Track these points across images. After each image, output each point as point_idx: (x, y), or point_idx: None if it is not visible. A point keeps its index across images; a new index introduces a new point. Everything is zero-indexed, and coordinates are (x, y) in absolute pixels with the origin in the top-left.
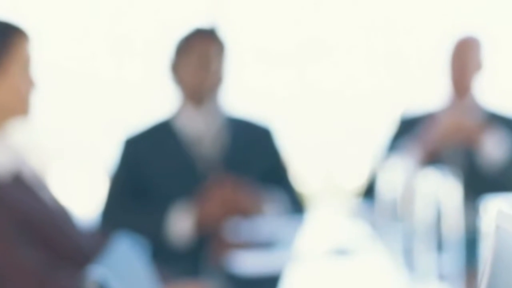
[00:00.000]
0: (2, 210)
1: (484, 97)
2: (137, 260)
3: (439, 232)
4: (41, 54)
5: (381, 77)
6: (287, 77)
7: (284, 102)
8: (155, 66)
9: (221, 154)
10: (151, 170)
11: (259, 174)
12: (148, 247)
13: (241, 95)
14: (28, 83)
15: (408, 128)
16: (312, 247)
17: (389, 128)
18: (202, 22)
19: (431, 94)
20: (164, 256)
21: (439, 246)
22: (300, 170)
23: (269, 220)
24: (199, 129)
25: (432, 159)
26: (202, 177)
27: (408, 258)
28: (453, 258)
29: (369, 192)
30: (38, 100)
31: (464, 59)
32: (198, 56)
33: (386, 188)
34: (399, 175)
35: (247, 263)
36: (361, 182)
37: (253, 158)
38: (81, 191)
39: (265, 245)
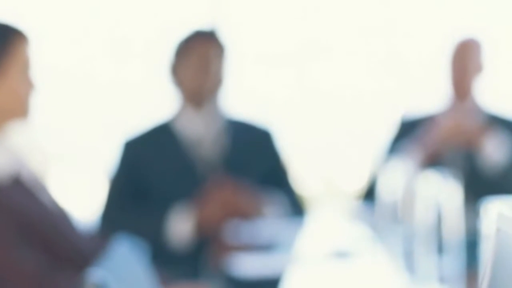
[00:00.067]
0: (1, 213)
1: (484, 99)
2: (137, 262)
3: (439, 235)
4: (41, 56)
5: (381, 79)
6: (287, 79)
7: (284, 104)
8: (155, 68)
9: (221, 156)
10: (151, 172)
11: (259, 176)
12: (147, 249)
13: (241, 97)
14: (27, 85)
15: (409, 131)
16: (312, 249)
17: (390, 130)
18: (201, 24)
19: (432, 96)
20: (164, 259)
21: (440, 248)
22: (300, 172)
23: (269, 223)
24: (199, 131)
25: (433, 161)
26: (202, 179)
27: (409, 260)
28: (454, 261)
29: (370, 194)
30: (37, 102)
31: (465, 61)
32: (198, 58)
33: (387, 190)
34: (399, 177)
35: (247, 265)
36: (361, 184)
37: (253, 160)
38: (81, 194)
39: (265, 247)
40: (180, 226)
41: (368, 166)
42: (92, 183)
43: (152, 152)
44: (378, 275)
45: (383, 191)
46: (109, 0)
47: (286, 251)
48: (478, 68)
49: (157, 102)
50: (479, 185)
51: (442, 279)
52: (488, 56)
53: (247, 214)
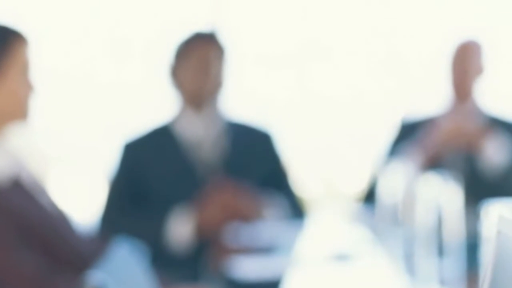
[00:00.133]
0: (1, 215)
1: (485, 102)
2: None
3: (440, 237)
4: (40, 58)
5: (382, 81)
6: (287, 81)
7: (284, 106)
8: (155, 70)
9: (221, 158)
10: (151, 174)
11: (259, 178)
12: (147, 252)
13: (241, 99)
14: (27, 87)
15: (409, 133)
16: (313, 252)
17: (390, 132)
18: (201, 25)
19: (432, 98)
20: (164, 261)
21: (440, 251)
22: (300, 174)
23: (269, 225)
24: (198, 134)
25: (433, 163)
26: (202, 181)
27: (409, 263)
28: (454, 263)
29: (370, 197)
30: (37, 104)
31: (465, 64)
32: (198, 60)
33: (387, 192)
34: (399, 179)
35: (247, 268)
36: (361, 186)
37: (253, 162)
38: (80, 196)
39: (265, 250)
40: (180, 229)
41: (368, 168)
42: (92, 185)
43: (152, 154)
44: (378, 278)
45: (383, 193)
46: (109, 2)
47: (286, 254)
48: (479, 70)
49: (157, 104)
50: (480, 187)
51: (442, 282)
52: (489, 58)
53: (247, 216)
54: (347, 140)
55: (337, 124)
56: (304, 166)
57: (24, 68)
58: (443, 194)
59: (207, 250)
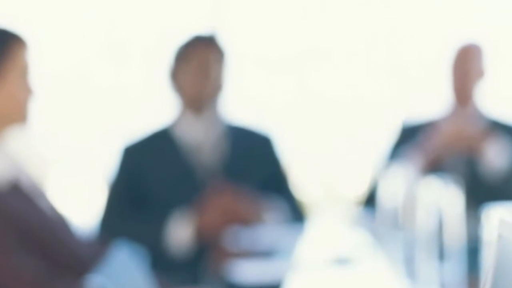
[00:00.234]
0: (0, 219)
1: (486, 105)
2: (136, 269)
3: (440, 241)
4: (40, 61)
5: (382, 85)
6: (287, 84)
7: (284, 109)
8: (154, 74)
9: (221, 162)
10: (150, 178)
11: (259, 182)
12: (147, 256)
13: (241, 102)
14: (26, 91)
15: (410, 136)
16: (313, 256)
17: (390, 136)
18: (201, 29)
19: (433, 102)
20: (163, 265)
21: (441, 255)
22: (301, 178)
23: (269, 229)
24: (198, 137)
25: (434, 167)
26: (202, 185)
27: (410, 267)
28: (455, 267)
29: (370, 200)
30: (36, 108)
31: (466, 67)
32: (198, 63)
33: (387, 196)
34: (400, 183)
35: (247, 272)
36: (362, 190)
37: (253, 166)
38: (80, 199)
39: (265, 254)
40: (180, 233)
41: (368, 172)
42: (91, 189)
43: (152, 158)
44: (378, 282)
45: (384, 197)
46: (108, 5)
47: (286, 258)
48: (480, 74)
49: (156, 108)
50: (481, 191)
51: (443, 286)
52: (490, 62)
53: (247, 220)
54: (347, 143)
55: (337, 128)
56: (304, 169)
57: (23, 72)
58: (444, 197)
59: (207, 254)
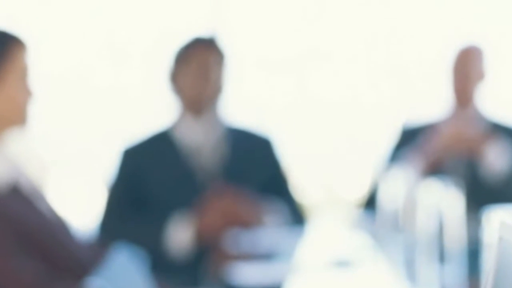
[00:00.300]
0: None
1: (486, 107)
2: (136, 271)
3: (441, 243)
4: (39, 63)
5: (383, 87)
6: (287, 86)
7: (284, 111)
8: (154, 76)
9: (221, 164)
10: (150, 180)
11: (259, 184)
12: (147, 258)
13: (241, 104)
14: (25, 93)
15: (410, 138)
16: (313, 258)
17: (391, 138)
18: (201, 30)
19: (433, 104)
20: (163, 268)
21: (441, 257)
22: (301, 180)
23: (269, 232)
24: (198, 139)
25: (434, 169)
26: (202, 187)
27: (410, 269)
28: (455, 270)
29: (370, 203)
30: (35, 110)
31: (466, 69)
32: (198, 65)
33: (388, 199)
34: (400, 185)
35: (247, 274)
36: (362, 192)
37: (253, 168)
38: (79, 202)
39: (265, 256)
40: (180, 235)
41: (369, 174)
42: (91, 191)
43: (151, 160)
44: (379, 284)
45: (384, 200)
46: (108, 6)
47: (286, 260)
48: (480, 76)
49: (156, 110)
50: (481, 193)
51: None
52: (490, 64)
53: (247, 222)
54: (347, 146)
55: (337, 130)
56: (304, 172)
57: (23, 74)
58: (444, 200)
59: (207, 257)
